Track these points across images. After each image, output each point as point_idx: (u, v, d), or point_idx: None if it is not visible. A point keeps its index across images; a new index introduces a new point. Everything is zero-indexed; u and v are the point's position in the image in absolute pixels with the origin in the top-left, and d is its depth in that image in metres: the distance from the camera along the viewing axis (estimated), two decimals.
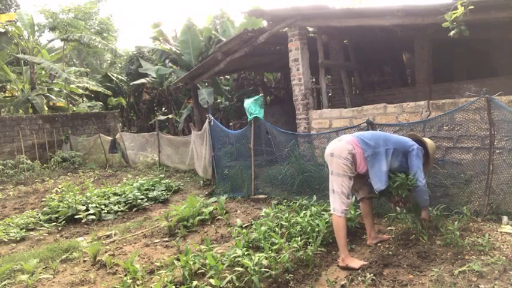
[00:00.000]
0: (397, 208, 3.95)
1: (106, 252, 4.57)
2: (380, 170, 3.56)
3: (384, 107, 5.77)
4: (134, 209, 6.69)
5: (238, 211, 5.92)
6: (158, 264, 3.97)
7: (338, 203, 3.51)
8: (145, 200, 7.02)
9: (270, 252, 3.47)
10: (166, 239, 4.99)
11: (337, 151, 3.57)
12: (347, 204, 3.53)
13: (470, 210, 4.13)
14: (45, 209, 6.61)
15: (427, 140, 3.98)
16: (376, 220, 4.34)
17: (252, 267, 3.17)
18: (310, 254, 3.53)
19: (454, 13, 4.47)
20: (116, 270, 4.00)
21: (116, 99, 19.81)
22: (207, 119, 7.72)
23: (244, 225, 4.91)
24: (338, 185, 3.53)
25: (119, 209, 6.59)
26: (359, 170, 3.63)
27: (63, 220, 6.18)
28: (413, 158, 3.66)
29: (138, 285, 3.44)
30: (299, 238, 3.76)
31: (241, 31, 8.01)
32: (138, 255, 4.30)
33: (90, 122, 16.00)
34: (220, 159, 7.66)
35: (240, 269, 3.25)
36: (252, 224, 4.79)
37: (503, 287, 2.76)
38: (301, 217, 4.28)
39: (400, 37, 8.15)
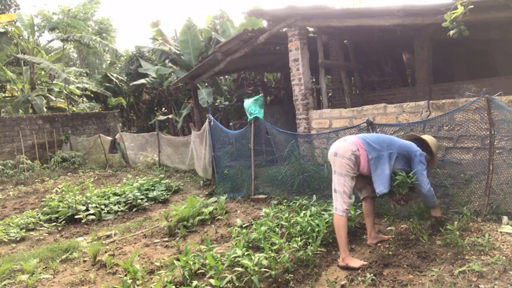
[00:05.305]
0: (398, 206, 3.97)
1: (106, 252, 4.57)
2: (383, 173, 3.58)
3: (384, 107, 5.77)
4: (134, 209, 6.69)
5: (238, 211, 5.92)
6: (158, 264, 3.97)
7: (340, 203, 3.53)
8: (145, 200, 7.02)
9: (270, 252, 3.47)
10: (166, 239, 4.99)
11: (341, 151, 3.59)
12: (348, 204, 3.55)
13: (470, 210, 4.13)
14: (45, 209, 6.61)
15: (428, 137, 3.97)
16: (376, 220, 4.33)
17: (252, 267, 3.17)
18: (310, 254, 3.53)
19: (454, 13, 4.47)
20: (116, 270, 4.00)
21: (115, 99, 19.81)
22: (207, 119, 7.72)
23: (244, 225, 4.91)
24: (340, 185, 3.54)
25: (119, 209, 6.59)
26: (362, 171, 3.64)
27: (63, 220, 6.18)
28: (417, 163, 3.65)
29: (138, 285, 3.44)
30: (299, 238, 3.76)
31: (241, 31, 8.00)
32: (138, 255, 4.30)
33: (90, 122, 16.00)
34: (220, 159, 7.66)
35: (240, 269, 3.25)
36: (252, 224, 4.79)
37: (503, 287, 2.76)
38: (301, 217, 4.28)
39: (400, 37, 8.15)
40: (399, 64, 10.66)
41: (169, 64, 15.55)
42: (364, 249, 3.80)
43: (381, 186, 3.57)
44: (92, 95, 19.82)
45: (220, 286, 3.08)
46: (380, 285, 3.03)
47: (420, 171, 3.63)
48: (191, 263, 3.49)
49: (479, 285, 2.81)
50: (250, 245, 4.03)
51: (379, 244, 3.83)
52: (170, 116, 16.26)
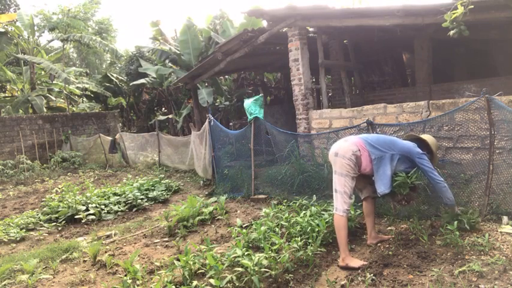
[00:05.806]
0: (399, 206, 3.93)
1: (106, 252, 4.57)
2: (384, 174, 3.58)
3: (384, 107, 5.77)
4: (134, 209, 6.69)
5: (238, 211, 5.92)
6: (158, 264, 3.97)
7: (340, 203, 3.53)
8: (145, 200, 7.02)
9: (270, 252, 3.47)
10: (166, 239, 4.99)
11: (342, 151, 3.59)
12: (349, 204, 3.56)
13: None
14: (45, 209, 6.61)
15: (427, 137, 3.97)
16: (376, 220, 4.33)
17: (252, 267, 3.17)
18: (310, 254, 3.53)
19: (454, 13, 4.47)
20: (116, 270, 4.00)
21: (115, 99, 19.82)
22: (207, 119, 7.72)
23: (244, 225, 4.91)
24: (341, 185, 3.55)
25: (119, 209, 6.59)
26: (363, 171, 3.64)
27: (63, 220, 6.18)
28: (423, 162, 3.63)
29: (138, 285, 3.44)
30: (299, 238, 3.76)
31: (241, 31, 8.00)
32: (138, 255, 4.30)
33: (90, 122, 16.01)
34: (220, 159, 7.66)
35: (240, 269, 3.25)
36: (252, 224, 4.79)
37: (503, 287, 2.76)
38: (301, 217, 4.28)
39: (400, 37, 8.15)
40: (399, 64, 10.65)
41: (169, 64, 15.54)
42: (364, 249, 3.80)
43: (382, 187, 3.58)
44: (92, 95, 19.83)
45: (220, 286, 3.08)
46: (380, 285, 3.03)
47: (429, 168, 3.62)
48: (191, 263, 3.49)
49: (479, 285, 2.81)
50: (250, 245, 4.03)
51: (379, 244, 3.83)
52: (170, 116, 16.26)
